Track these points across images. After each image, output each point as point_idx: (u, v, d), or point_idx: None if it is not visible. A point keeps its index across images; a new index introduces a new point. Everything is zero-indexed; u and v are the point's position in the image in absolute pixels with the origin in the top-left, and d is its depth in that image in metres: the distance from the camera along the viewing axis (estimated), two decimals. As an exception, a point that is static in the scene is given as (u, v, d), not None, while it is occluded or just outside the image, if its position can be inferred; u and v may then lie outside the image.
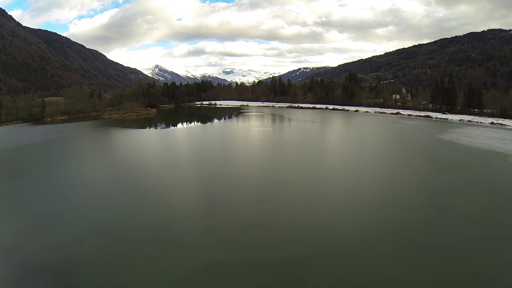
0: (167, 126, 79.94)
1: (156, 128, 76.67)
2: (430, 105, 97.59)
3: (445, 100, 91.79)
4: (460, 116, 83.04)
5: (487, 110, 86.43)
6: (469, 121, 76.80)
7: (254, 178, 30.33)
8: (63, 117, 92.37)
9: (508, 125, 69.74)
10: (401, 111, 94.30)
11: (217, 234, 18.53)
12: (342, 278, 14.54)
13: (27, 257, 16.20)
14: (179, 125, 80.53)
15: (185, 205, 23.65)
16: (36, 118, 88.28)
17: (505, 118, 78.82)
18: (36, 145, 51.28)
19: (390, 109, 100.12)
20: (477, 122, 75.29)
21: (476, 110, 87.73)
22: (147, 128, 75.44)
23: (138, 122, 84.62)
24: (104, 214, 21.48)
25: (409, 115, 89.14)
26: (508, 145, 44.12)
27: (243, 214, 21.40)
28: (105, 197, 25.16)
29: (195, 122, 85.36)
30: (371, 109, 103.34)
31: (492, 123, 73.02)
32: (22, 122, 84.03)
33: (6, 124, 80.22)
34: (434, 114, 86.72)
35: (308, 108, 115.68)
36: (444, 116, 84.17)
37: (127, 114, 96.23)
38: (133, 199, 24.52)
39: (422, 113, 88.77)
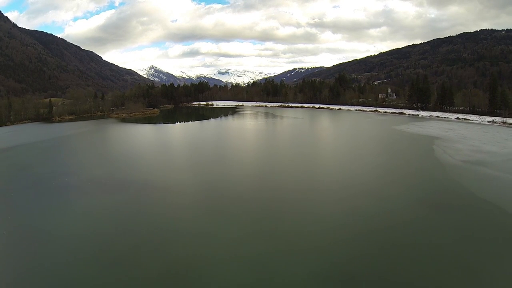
0: (173, 122, 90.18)
1: (163, 124, 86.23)
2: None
3: (420, 99, 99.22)
4: (432, 112, 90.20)
5: (459, 107, 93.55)
6: (437, 116, 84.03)
7: (246, 150, 45.05)
8: (70, 117, 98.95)
9: (472, 120, 76.71)
10: (379, 109, 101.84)
11: (223, 179, 30.07)
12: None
13: (115, 179, 30.20)
14: (183, 122, 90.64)
15: (199, 165, 36.00)
16: (44, 118, 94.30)
17: (472, 114, 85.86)
18: (71, 136, 62.02)
19: (370, 107, 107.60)
20: (445, 117, 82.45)
21: (450, 107, 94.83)
22: (159, 124, 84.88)
23: (146, 120, 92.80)
24: (146, 170, 33.51)
25: (386, 112, 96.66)
26: (449, 132, 51.39)
27: (235, 169, 34.18)
28: (148, 165, 36.63)
29: (197, 120, 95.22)
30: (353, 108, 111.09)
31: (457, 118, 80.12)
32: (31, 122, 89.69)
33: (17, 123, 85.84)
34: (408, 111, 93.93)
35: (297, 107, 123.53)
36: (417, 112, 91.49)
37: (133, 114, 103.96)
38: (163, 165, 36.78)
39: (398, 110, 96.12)
